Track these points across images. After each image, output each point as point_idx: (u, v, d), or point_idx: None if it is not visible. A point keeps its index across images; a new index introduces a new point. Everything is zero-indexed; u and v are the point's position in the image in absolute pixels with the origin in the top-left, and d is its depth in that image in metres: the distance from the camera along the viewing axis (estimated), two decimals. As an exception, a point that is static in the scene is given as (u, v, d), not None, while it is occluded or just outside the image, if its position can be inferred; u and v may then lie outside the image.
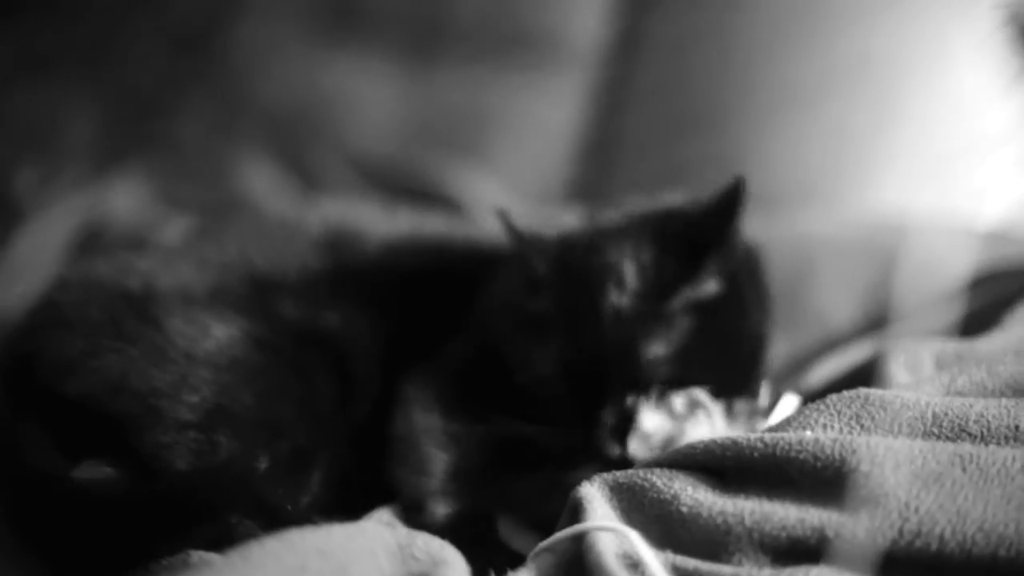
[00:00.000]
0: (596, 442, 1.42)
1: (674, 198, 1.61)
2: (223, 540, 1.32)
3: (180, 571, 1.19)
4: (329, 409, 1.57)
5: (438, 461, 1.51)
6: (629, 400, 1.43)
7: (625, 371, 1.43)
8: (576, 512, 1.25)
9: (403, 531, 1.37)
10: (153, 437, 1.43)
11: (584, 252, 1.50)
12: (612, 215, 1.59)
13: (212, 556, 1.28)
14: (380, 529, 1.28)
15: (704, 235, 1.48)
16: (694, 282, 1.47)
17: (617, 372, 1.43)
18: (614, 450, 1.41)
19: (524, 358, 1.50)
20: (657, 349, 1.43)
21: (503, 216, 1.53)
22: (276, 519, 1.39)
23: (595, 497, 1.27)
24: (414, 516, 1.47)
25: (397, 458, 1.53)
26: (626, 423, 1.43)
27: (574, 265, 1.49)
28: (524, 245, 1.52)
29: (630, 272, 1.45)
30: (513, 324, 1.53)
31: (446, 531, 1.39)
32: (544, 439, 1.45)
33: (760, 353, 1.55)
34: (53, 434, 1.45)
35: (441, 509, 1.47)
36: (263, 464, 1.45)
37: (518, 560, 1.25)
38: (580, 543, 1.16)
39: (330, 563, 1.10)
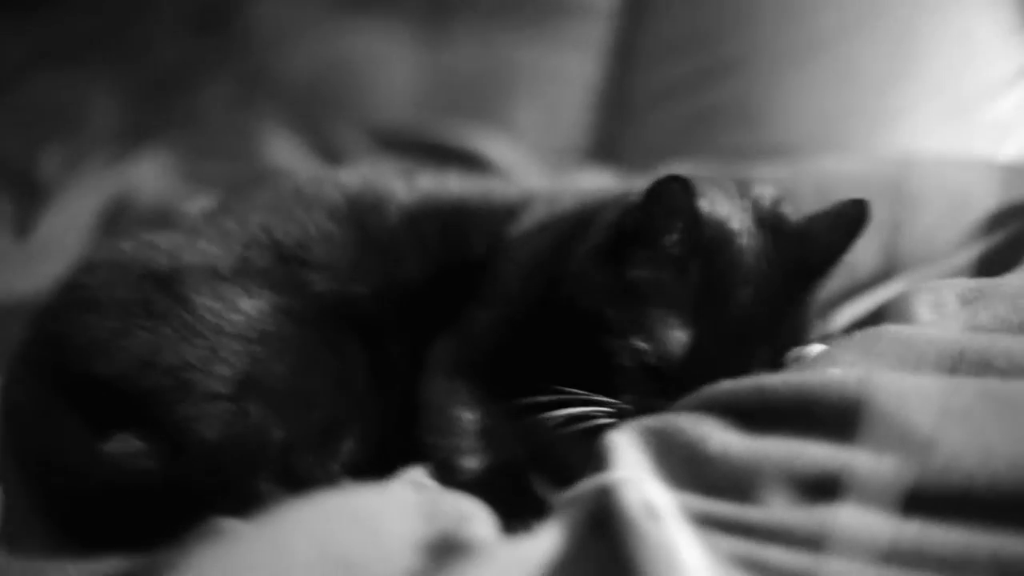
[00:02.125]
0: None
1: (765, 194, 1.55)
2: (252, 506, 1.34)
3: (210, 538, 1.20)
4: (359, 379, 1.59)
5: (465, 421, 1.51)
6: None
7: (738, 370, 1.38)
8: (602, 459, 1.26)
9: (430, 489, 1.38)
10: (184, 410, 1.46)
11: (718, 238, 1.42)
12: (716, 192, 1.50)
13: (241, 523, 1.30)
14: (407, 489, 1.29)
15: (818, 265, 1.46)
16: (801, 302, 1.47)
17: (731, 371, 1.37)
18: None
19: (627, 342, 1.43)
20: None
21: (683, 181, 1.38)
22: (306, 486, 1.40)
23: (623, 444, 1.27)
24: (447, 476, 1.48)
25: (425, 423, 1.55)
26: None
27: (707, 248, 1.41)
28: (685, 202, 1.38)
29: (762, 284, 1.41)
30: (609, 290, 1.45)
31: (477, 486, 1.40)
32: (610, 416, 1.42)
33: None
34: (85, 412, 1.47)
35: (470, 464, 1.47)
36: (293, 433, 1.46)
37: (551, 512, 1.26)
38: (606, 492, 1.15)
39: (358, 524, 1.11)
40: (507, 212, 1.75)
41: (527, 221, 1.71)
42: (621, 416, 1.39)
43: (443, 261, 1.68)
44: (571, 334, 1.46)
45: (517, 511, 1.30)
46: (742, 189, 1.51)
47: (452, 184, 1.82)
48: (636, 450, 1.26)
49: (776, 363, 1.42)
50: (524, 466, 1.49)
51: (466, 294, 1.65)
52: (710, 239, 1.40)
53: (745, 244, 1.42)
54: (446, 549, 1.12)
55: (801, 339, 1.48)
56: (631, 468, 1.22)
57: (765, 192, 1.51)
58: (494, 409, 1.53)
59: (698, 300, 1.40)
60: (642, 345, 1.40)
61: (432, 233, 1.71)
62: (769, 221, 1.46)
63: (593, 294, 1.45)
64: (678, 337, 1.40)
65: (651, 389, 1.40)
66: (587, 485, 1.19)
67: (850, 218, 1.45)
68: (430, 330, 1.64)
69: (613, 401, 1.41)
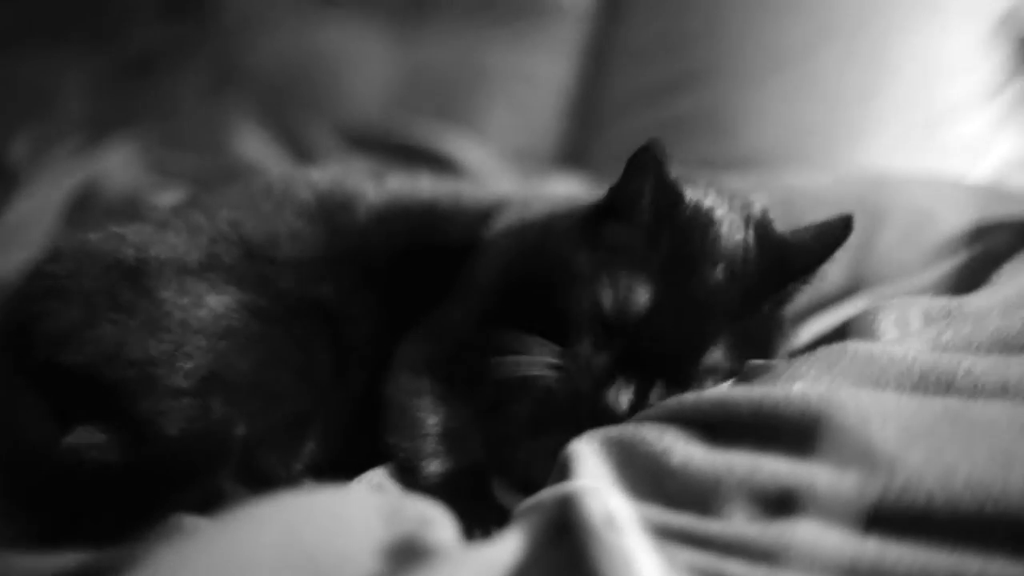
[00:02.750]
0: (603, 392, 1.40)
1: (757, 202, 1.57)
2: (214, 504, 1.35)
3: (172, 535, 1.19)
4: (325, 378, 1.59)
5: (428, 423, 1.52)
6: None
7: (699, 345, 1.42)
8: (565, 468, 1.27)
9: (392, 493, 1.38)
10: (148, 404, 1.45)
11: (697, 219, 1.45)
12: (707, 189, 1.52)
13: (203, 520, 1.30)
14: (369, 492, 1.29)
15: (792, 271, 1.47)
16: (776, 302, 1.48)
17: (692, 343, 1.42)
18: (618, 402, 1.40)
19: (593, 291, 1.44)
20: (712, 356, 1.43)
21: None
22: (269, 485, 1.40)
23: (585, 453, 1.28)
24: (409, 478, 1.48)
25: (388, 422, 1.55)
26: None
27: (684, 226, 1.44)
28: (655, 163, 1.41)
29: (737, 268, 1.43)
30: (586, 251, 1.48)
31: (438, 490, 1.40)
32: (560, 375, 1.44)
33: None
34: (48, 402, 1.47)
35: (432, 468, 1.48)
36: (256, 430, 1.46)
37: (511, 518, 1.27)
38: (568, 501, 1.16)
39: (319, 525, 1.11)
40: (478, 216, 1.75)
41: (499, 225, 1.72)
42: (561, 372, 1.42)
43: (411, 262, 1.68)
44: (532, 306, 1.48)
45: (478, 517, 1.31)
46: (736, 194, 1.53)
47: (423, 186, 1.82)
48: (599, 460, 1.27)
49: (736, 361, 1.44)
50: (486, 472, 1.49)
51: (433, 295, 1.66)
52: (687, 217, 1.44)
53: (723, 231, 1.44)
54: (408, 553, 1.12)
55: (768, 352, 1.49)
56: (593, 478, 1.23)
57: (758, 200, 1.54)
58: (459, 411, 1.53)
59: (665, 268, 1.41)
60: (604, 295, 1.42)
61: (401, 234, 1.71)
62: (756, 222, 1.48)
63: (568, 254, 1.48)
64: (640, 295, 1.41)
65: (602, 345, 1.42)
66: (550, 493, 1.20)
67: (835, 230, 1.46)
68: (396, 330, 1.64)
69: (554, 361, 1.43)
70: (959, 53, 2.56)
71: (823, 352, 1.35)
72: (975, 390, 1.25)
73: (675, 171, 1.42)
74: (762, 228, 1.48)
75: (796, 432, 1.19)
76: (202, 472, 1.34)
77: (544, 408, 1.47)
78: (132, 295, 1.52)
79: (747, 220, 1.48)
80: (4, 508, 1.37)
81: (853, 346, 1.34)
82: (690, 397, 1.32)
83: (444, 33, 3.12)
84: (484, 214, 1.76)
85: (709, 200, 1.48)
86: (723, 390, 1.33)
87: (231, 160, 2.73)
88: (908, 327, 1.45)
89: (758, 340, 1.47)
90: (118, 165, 2.70)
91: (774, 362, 1.40)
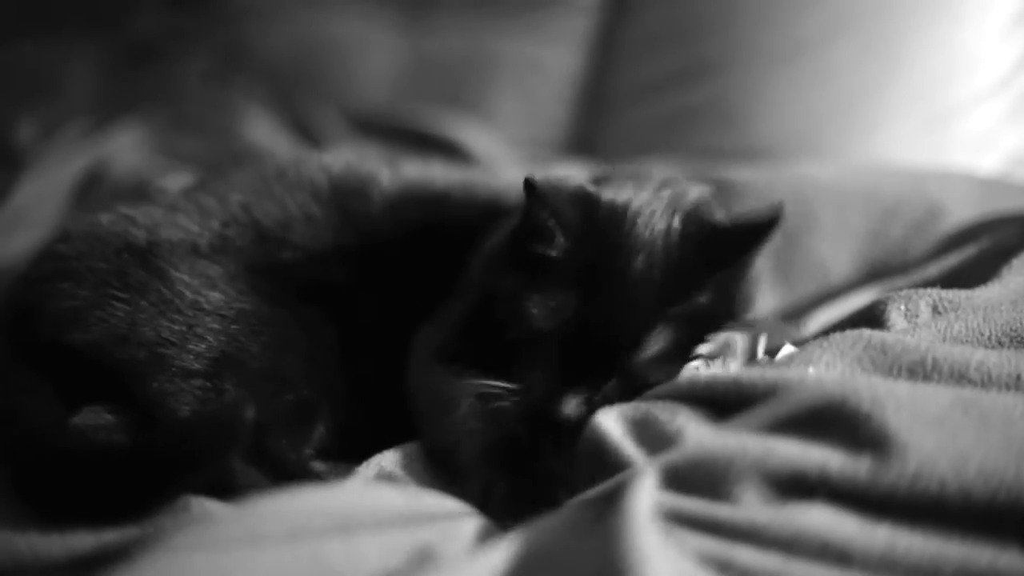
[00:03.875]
0: (555, 405, 1.42)
1: (693, 191, 1.58)
2: (226, 486, 1.36)
3: (183, 518, 1.19)
4: (333, 362, 1.59)
5: (454, 404, 1.48)
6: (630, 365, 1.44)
7: (632, 337, 1.43)
8: (602, 447, 1.29)
9: (410, 488, 1.37)
10: (159, 385, 1.46)
11: (614, 218, 1.47)
12: (632, 185, 1.54)
13: (214, 504, 1.30)
14: (387, 488, 1.28)
15: (722, 256, 1.47)
16: (701, 294, 1.47)
17: (624, 336, 1.43)
18: (570, 411, 1.41)
19: (522, 306, 1.46)
20: (652, 346, 1.44)
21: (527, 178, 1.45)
22: (279, 468, 1.42)
23: (615, 433, 1.30)
24: (447, 460, 1.45)
25: (417, 410, 1.54)
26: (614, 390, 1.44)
27: (602, 227, 1.46)
28: (543, 193, 1.45)
29: (658, 256, 1.45)
30: (516, 269, 1.49)
31: (478, 467, 1.39)
32: (513, 399, 1.46)
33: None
34: (55, 384, 1.47)
35: (471, 446, 1.44)
36: (267, 413, 1.46)
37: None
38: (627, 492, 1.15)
39: (335, 521, 1.12)
40: (488, 208, 1.75)
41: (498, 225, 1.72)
42: (513, 395, 1.44)
43: (421, 252, 1.68)
44: (487, 320, 1.50)
45: (522, 491, 1.31)
46: (670, 183, 1.54)
47: (437, 175, 1.82)
48: (628, 441, 1.28)
49: (686, 347, 1.46)
50: (525, 443, 1.45)
51: (442, 285, 1.66)
52: (604, 217, 1.46)
53: (640, 222, 1.46)
54: (424, 558, 1.12)
55: (712, 327, 1.50)
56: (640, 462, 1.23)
57: (693, 191, 1.54)
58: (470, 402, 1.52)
59: (588, 271, 1.43)
60: (532, 310, 1.44)
61: (412, 223, 1.71)
62: (685, 211, 1.49)
63: (497, 279, 1.51)
64: (566, 303, 1.43)
65: (543, 361, 1.44)
66: (605, 487, 1.20)
67: (763, 220, 1.45)
68: (403, 318, 1.64)
69: (504, 387, 1.45)
70: (973, 47, 2.55)
71: (837, 338, 1.36)
72: (988, 381, 1.26)
73: (599, 169, 1.43)
74: (691, 216, 1.49)
75: (810, 416, 1.18)
76: (212, 455, 1.34)
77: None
78: (143, 276, 1.52)
79: (673, 210, 1.48)
80: (11, 491, 1.36)
81: (867, 333, 1.34)
82: (703, 376, 1.33)
83: (453, 21, 3.11)
84: (495, 207, 1.76)
85: (626, 195, 1.49)
86: (739, 371, 1.33)
87: (239, 144, 2.72)
88: (917, 318, 1.45)
89: (705, 325, 1.48)
90: (126, 148, 2.70)
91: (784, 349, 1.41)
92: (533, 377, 1.44)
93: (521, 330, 1.45)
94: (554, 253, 1.45)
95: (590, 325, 1.42)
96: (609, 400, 1.42)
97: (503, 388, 1.45)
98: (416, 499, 1.23)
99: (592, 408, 1.40)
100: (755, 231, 1.45)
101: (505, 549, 1.11)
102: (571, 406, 1.41)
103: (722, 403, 1.28)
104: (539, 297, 1.44)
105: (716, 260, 1.46)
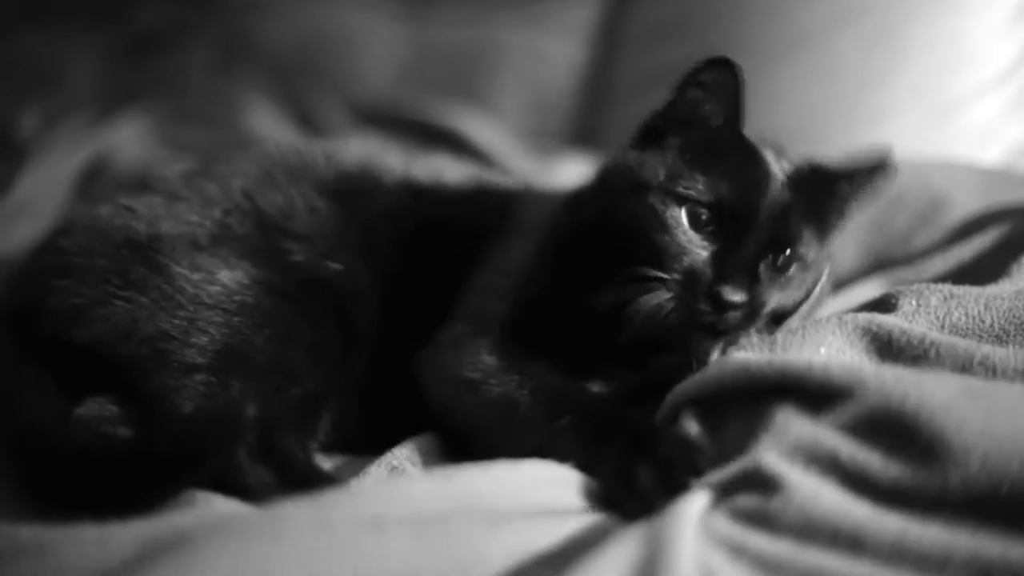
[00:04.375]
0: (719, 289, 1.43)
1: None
2: (232, 481, 1.36)
3: (210, 529, 1.20)
4: (335, 356, 1.58)
5: (518, 390, 1.47)
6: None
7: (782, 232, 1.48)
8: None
9: (413, 474, 1.37)
10: (161, 380, 1.45)
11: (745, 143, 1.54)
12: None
13: (222, 501, 1.31)
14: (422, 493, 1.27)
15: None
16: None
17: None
18: (737, 295, 1.43)
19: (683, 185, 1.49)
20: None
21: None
22: (287, 466, 1.41)
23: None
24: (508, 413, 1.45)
25: (459, 401, 1.52)
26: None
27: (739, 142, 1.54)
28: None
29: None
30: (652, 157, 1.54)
31: (561, 442, 1.37)
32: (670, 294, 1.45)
33: None
34: (58, 377, 1.46)
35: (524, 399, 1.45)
36: (273, 409, 1.46)
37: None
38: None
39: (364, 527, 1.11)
40: (496, 208, 1.76)
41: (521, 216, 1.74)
42: (677, 288, 1.44)
43: (425, 248, 1.69)
44: (613, 239, 1.51)
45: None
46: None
47: (445, 173, 1.82)
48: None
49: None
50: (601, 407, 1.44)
51: (446, 284, 1.65)
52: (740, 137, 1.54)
53: (768, 156, 1.54)
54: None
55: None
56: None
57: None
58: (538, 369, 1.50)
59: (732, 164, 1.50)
60: (694, 189, 1.48)
61: (418, 221, 1.71)
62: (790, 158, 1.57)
63: (638, 171, 1.53)
64: (720, 188, 1.48)
65: (698, 252, 1.46)
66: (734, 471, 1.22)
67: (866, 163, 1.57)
68: (403, 315, 1.64)
69: (665, 276, 1.45)
70: (977, 39, 2.55)
71: (848, 319, 1.39)
72: (994, 375, 1.26)
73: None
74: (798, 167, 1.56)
75: (818, 402, 1.22)
76: (216, 449, 1.34)
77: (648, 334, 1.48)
78: (144, 271, 1.52)
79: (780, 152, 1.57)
80: (15, 483, 1.36)
81: (877, 320, 1.36)
82: (714, 365, 1.36)
83: (456, 11, 3.11)
84: (502, 207, 1.77)
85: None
86: (744, 356, 1.34)
87: (241, 134, 2.72)
88: (925, 309, 1.45)
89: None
90: (128, 139, 2.70)
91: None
92: (686, 269, 1.45)
93: (680, 215, 1.48)
94: (713, 124, 1.52)
95: (741, 215, 1.47)
96: (764, 291, 1.47)
97: (658, 276, 1.45)
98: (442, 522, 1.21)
99: (752, 295, 1.43)
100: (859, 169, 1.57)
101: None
102: (733, 291, 1.42)
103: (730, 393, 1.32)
104: (701, 175, 1.49)
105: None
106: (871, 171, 1.57)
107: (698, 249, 1.46)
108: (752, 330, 1.48)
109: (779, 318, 1.53)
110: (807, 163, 1.57)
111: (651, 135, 1.57)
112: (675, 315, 1.44)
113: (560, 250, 1.60)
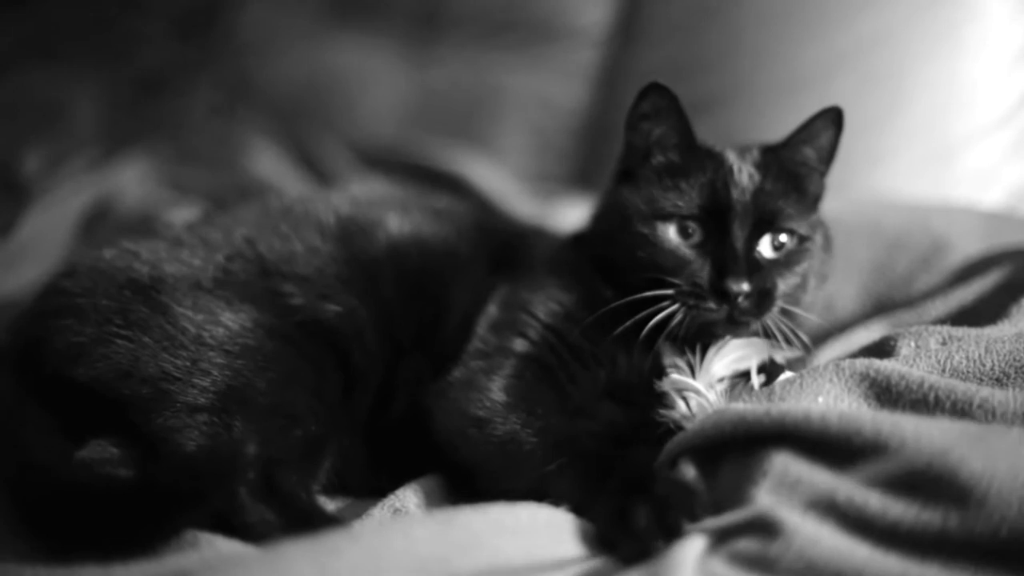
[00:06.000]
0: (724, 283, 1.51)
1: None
2: (231, 519, 1.36)
3: (192, 557, 1.19)
4: (336, 396, 1.59)
5: (526, 427, 1.49)
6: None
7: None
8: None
9: (415, 515, 1.38)
10: (163, 420, 1.45)
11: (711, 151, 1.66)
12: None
13: (223, 541, 1.31)
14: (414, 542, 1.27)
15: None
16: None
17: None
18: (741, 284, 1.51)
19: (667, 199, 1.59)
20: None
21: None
22: (289, 506, 1.41)
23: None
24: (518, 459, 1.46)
25: (469, 441, 1.53)
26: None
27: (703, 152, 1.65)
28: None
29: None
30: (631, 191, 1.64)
31: (559, 482, 1.39)
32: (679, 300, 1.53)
33: None
34: (60, 418, 1.47)
35: (539, 467, 1.43)
36: (275, 450, 1.46)
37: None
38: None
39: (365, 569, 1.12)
40: (494, 252, 1.79)
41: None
42: (684, 296, 1.52)
43: (424, 293, 1.70)
44: (619, 268, 1.61)
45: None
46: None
47: (445, 215, 1.84)
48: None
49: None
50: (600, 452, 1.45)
51: (445, 328, 1.68)
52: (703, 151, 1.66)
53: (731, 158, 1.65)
54: None
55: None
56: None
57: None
58: (548, 407, 1.54)
59: (705, 182, 1.61)
60: (672, 205, 1.59)
61: (417, 266, 1.72)
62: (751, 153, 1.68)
63: (621, 206, 1.65)
64: (693, 197, 1.59)
65: (693, 258, 1.56)
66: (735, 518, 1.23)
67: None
68: (402, 358, 1.66)
69: (668, 292, 1.53)
70: (975, 81, 2.56)
71: (846, 366, 1.39)
72: (992, 418, 1.27)
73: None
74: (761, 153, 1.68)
75: (815, 451, 1.23)
76: (217, 489, 1.34)
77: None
78: (146, 311, 1.53)
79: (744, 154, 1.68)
80: (17, 523, 1.36)
81: (875, 366, 1.36)
82: (710, 418, 1.35)
83: (458, 54, 3.12)
84: (505, 246, 1.81)
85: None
86: (742, 407, 1.34)
87: (244, 176, 2.73)
88: (925, 352, 1.45)
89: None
90: (132, 180, 2.70)
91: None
92: (687, 277, 1.54)
93: (668, 230, 1.58)
94: (669, 144, 1.64)
95: (719, 210, 1.57)
96: (767, 273, 1.56)
97: (669, 285, 1.54)
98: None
99: (755, 280, 1.53)
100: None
101: None
102: (735, 282, 1.51)
103: (730, 441, 1.32)
104: (674, 192, 1.60)
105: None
106: (816, 120, 1.67)
107: (692, 256, 1.55)
108: (775, 311, 1.56)
109: (797, 290, 1.62)
110: (766, 147, 1.69)
111: (624, 175, 1.71)
112: (688, 321, 1.52)
113: (576, 282, 1.66)
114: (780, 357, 1.58)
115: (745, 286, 1.50)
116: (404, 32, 3.19)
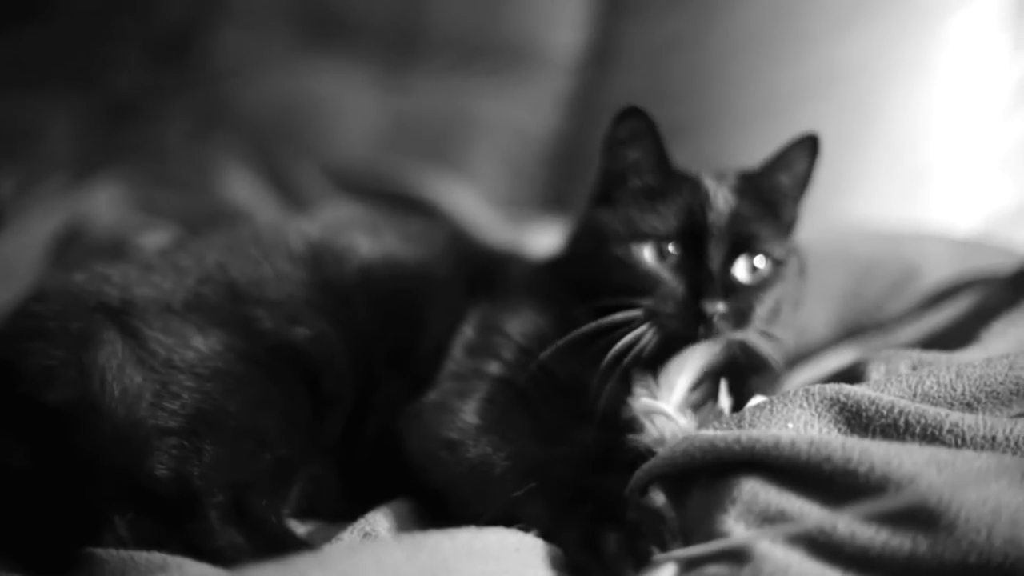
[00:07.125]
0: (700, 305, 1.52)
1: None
2: (200, 543, 1.36)
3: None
4: (306, 420, 1.58)
5: (496, 454, 1.48)
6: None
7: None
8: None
9: (385, 540, 1.37)
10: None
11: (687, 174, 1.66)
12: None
13: (192, 565, 1.30)
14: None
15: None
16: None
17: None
18: (716, 305, 1.52)
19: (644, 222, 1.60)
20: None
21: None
22: (258, 530, 1.41)
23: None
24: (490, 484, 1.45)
25: (441, 465, 1.52)
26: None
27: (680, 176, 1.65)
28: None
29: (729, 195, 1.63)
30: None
31: (530, 508, 1.38)
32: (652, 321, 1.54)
33: None
34: (30, 440, 1.45)
35: (513, 494, 1.42)
36: (245, 474, 1.46)
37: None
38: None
39: None
40: (468, 276, 1.79)
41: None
42: (653, 318, 1.54)
43: (395, 319, 1.70)
44: (595, 290, 1.59)
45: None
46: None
47: (417, 239, 1.84)
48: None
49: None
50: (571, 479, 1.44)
51: (416, 353, 1.68)
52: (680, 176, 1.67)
53: (707, 180, 1.66)
54: None
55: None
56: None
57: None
58: (518, 435, 1.53)
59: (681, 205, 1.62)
60: (652, 226, 1.60)
61: (388, 291, 1.72)
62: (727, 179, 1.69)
63: (598, 229, 1.65)
64: (670, 219, 1.60)
65: (669, 279, 1.57)
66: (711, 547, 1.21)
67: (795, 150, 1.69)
68: (373, 383, 1.65)
69: (636, 313, 1.53)
70: (946, 107, 2.57)
71: (816, 391, 1.38)
72: (962, 443, 1.27)
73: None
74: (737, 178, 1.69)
75: (787, 477, 1.23)
76: (188, 514, 1.34)
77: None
78: (115, 335, 1.52)
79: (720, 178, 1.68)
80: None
81: (845, 391, 1.36)
82: (680, 444, 1.34)
83: (432, 81, 3.13)
84: (478, 270, 1.80)
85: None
86: (711, 434, 1.33)
87: (218, 201, 2.73)
88: (895, 377, 1.45)
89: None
90: (104, 204, 2.69)
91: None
92: (662, 297, 1.56)
93: (643, 251, 1.59)
94: (645, 167, 1.64)
95: (695, 233, 1.58)
96: (743, 294, 1.58)
97: (639, 307, 1.55)
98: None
99: (730, 300, 1.54)
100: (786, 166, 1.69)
101: None
102: (711, 303, 1.52)
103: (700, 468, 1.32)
104: (651, 214, 1.61)
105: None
106: (793, 147, 1.68)
107: (668, 277, 1.57)
108: (751, 326, 1.57)
109: (771, 314, 1.62)
110: (742, 172, 1.70)
111: (600, 199, 1.71)
112: (658, 341, 1.53)
113: (552, 305, 1.66)
114: (752, 339, 1.59)
115: (721, 306, 1.51)
116: (379, 58, 3.20)
